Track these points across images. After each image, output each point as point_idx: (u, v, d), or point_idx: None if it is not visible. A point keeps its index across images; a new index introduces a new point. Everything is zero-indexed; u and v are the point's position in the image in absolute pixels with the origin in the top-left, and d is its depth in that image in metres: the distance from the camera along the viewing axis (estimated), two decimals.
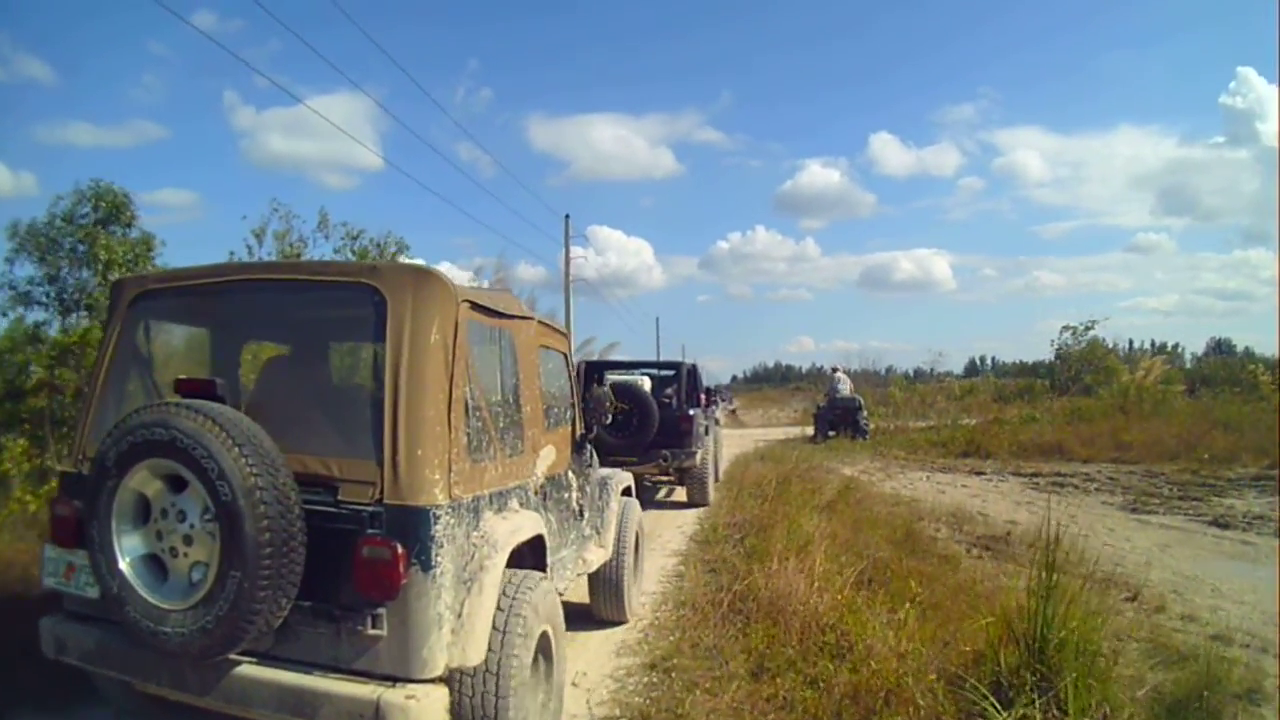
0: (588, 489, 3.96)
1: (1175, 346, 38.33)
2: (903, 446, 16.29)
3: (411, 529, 2.18)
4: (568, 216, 21.56)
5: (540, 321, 3.43)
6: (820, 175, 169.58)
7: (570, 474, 3.63)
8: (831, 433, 18.08)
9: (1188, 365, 31.18)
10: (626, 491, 4.54)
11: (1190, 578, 6.09)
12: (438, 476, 2.25)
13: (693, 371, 9.76)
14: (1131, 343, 32.12)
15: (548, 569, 2.94)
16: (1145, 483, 11.16)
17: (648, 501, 8.88)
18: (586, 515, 3.89)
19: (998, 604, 3.51)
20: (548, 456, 3.22)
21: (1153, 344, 39.17)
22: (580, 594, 4.36)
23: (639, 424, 7.87)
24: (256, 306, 2.84)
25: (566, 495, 3.53)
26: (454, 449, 2.33)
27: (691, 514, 8.09)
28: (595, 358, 15.82)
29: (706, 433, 9.22)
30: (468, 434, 2.46)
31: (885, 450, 15.76)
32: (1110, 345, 27.01)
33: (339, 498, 2.23)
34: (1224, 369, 27.39)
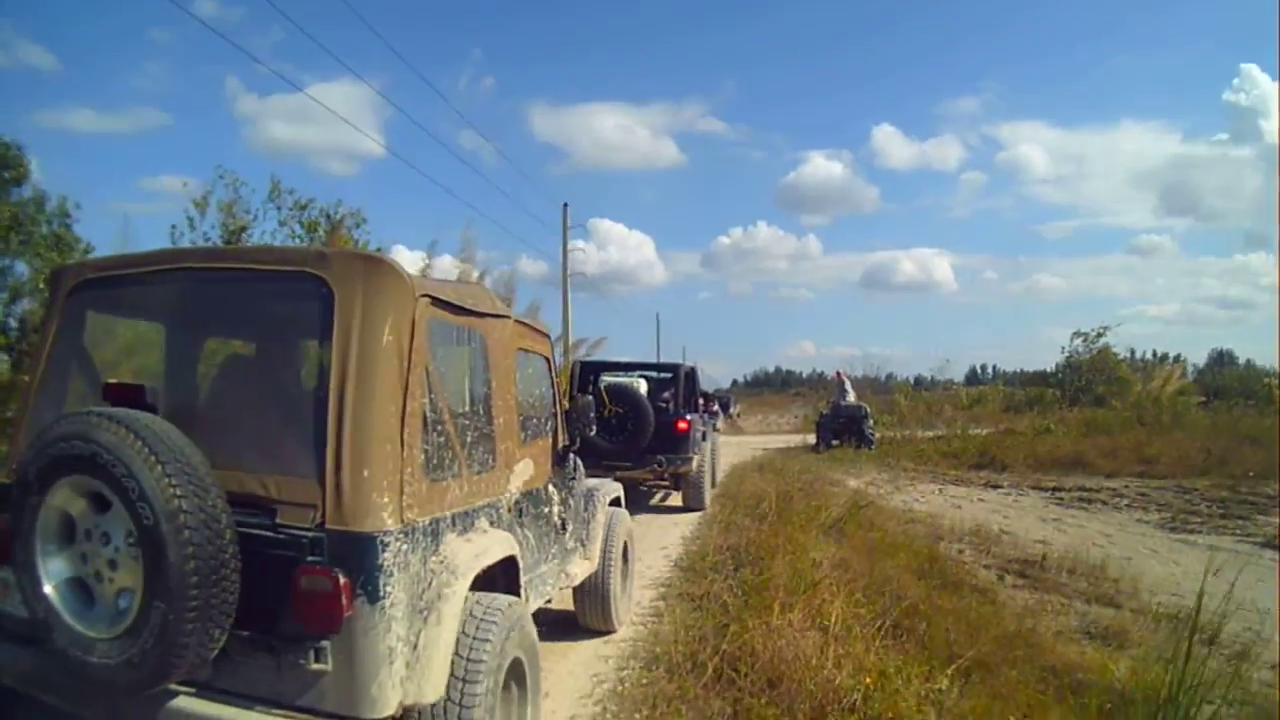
0: (571, 502, 3.72)
1: (1178, 357, 37.45)
2: (911, 457, 15.82)
3: (356, 557, 1.97)
4: (566, 205, 20.66)
5: (518, 320, 3.15)
6: (823, 168, 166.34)
7: (551, 488, 3.38)
8: (835, 441, 17.59)
9: (1190, 377, 30.48)
10: (615, 502, 4.36)
11: (1263, 612, 5.40)
12: (387, 499, 2.04)
13: (691, 374, 9.46)
14: (1134, 352, 31.33)
15: (521, 590, 2.73)
16: (1180, 499, 10.67)
17: (641, 506, 8.47)
18: (570, 528, 3.65)
19: (1063, 661, 2.65)
20: (524, 471, 2.97)
21: (1154, 353, 38.31)
22: (565, 601, 4.04)
23: (633, 428, 7.61)
24: (196, 298, 2.55)
25: (546, 510, 3.29)
26: (408, 468, 2.12)
27: (678, 532, 7.37)
28: (584, 355, 15.30)
29: (704, 438, 8.92)
30: (426, 450, 2.23)
31: (892, 461, 15.29)
32: (1119, 354, 26.45)
33: (277, 521, 2.02)
34: (1237, 381, 26.98)
